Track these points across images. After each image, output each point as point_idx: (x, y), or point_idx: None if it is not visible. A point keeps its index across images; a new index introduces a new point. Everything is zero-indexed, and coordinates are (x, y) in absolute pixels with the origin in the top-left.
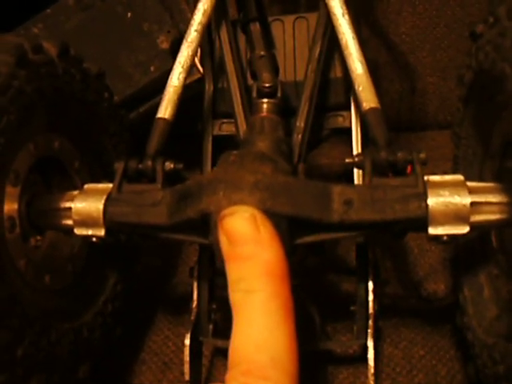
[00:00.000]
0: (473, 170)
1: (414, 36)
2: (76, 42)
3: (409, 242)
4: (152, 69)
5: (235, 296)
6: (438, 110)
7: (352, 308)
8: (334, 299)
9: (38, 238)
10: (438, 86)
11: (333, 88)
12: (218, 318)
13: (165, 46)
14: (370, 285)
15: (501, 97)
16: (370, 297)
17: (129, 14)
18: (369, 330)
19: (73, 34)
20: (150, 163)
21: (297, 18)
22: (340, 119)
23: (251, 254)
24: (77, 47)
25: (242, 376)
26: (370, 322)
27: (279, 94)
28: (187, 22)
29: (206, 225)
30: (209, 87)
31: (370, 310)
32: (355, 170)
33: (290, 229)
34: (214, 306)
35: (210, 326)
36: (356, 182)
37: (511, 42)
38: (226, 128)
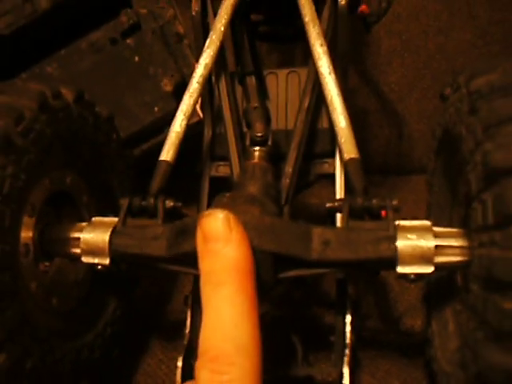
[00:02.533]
0: (443, 216)
1: (402, 86)
2: (87, 81)
3: (390, 280)
4: (156, 109)
5: (205, 289)
6: (423, 155)
7: (331, 338)
8: (315, 330)
9: (47, 263)
10: (424, 133)
11: (320, 137)
12: None
13: (168, 88)
14: (348, 317)
15: (459, 156)
16: (348, 328)
17: (136, 58)
18: (345, 359)
19: (84, 75)
20: (152, 201)
21: (289, 72)
22: (326, 166)
23: (221, 250)
24: (88, 87)
25: (210, 363)
26: (347, 351)
27: (270, 143)
28: (190, 67)
29: None
30: (207, 132)
31: (348, 341)
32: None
33: (274, 264)
34: None
35: None
36: (338, 222)
37: (468, 108)
38: (222, 170)
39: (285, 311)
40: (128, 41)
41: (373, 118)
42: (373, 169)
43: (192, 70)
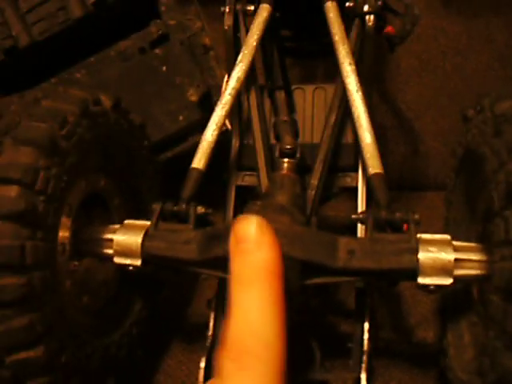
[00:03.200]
0: (460, 231)
1: (419, 104)
2: (115, 89)
3: (404, 292)
4: (181, 118)
5: (235, 288)
6: (438, 172)
7: (349, 345)
8: (333, 337)
9: (76, 263)
10: (439, 151)
11: (344, 152)
12: None
13: (194, 98)
14: (366, 325)
15: (482, 174)
16: (366, 336)
17: (163, 68)
18: (362, 365)
19: (112, 82)
20: (183, 206)
21: (316, 87)
22: (348, 179)
23: (253, 252)
24: (114, 94)
25: (237, 357)
26: (364, 358)
27: (298, 155)
28: (215, 78)
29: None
30: (235, 142)
31: (365, 348)
32: (358, 225)
33: (301, 271)
34: None
35: None
36: (358, 234)
37: (492, 130)
38: (248, 179)
39: (304, 318)
40: (156, 51)
41: (390, 135)
42: (388, 184)
43: (217, 82)
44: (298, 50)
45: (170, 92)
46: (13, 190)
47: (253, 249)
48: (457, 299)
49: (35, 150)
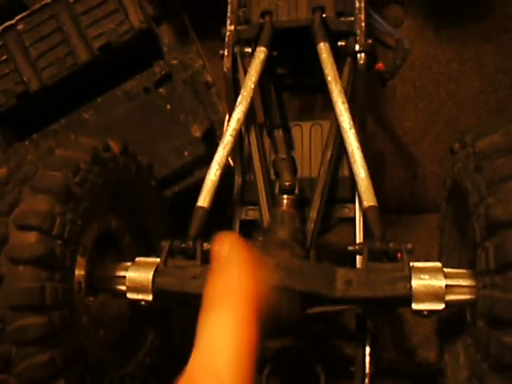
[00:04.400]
0: (453, 257)
1: (415, 130)
2: (121, 128)
3: (405, 314)
4: (186, 154)
5: (203, 306)
6: (437, 195)
7: (352, 368)
8: (338, 360)
9: (91, 299)
10: (437, 174)
11: (341, 184)
12: None
13: (198, 134)
14: (367, 349)
15: (466, 206)
16: (367, 359)
17: (168, 106)
18: None
19: (119, 121)
20: (190, 244)
21: (313, 124)
22: (346, 210)
23: (221, 270)
24: (122, 132)
25: (198, 372)
26: (367, 380)
27: (297, 191)
28: (218, 114)
29: None
30: (238, 179)
31: (367, 370)
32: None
33: (302, 301)
34: None
35: None
36: (357, 262)
37: (473, 166)
38: (251, 214)
39: (309, 343)
40: (160, 90)
41: (388, 160)
42: (388, 208)
43: (220, 117)
44: (295, 85)
45: (174, 129)
46: (32, 236)
47: (221, 268)
48: (452, 321)
49: (51, 198)
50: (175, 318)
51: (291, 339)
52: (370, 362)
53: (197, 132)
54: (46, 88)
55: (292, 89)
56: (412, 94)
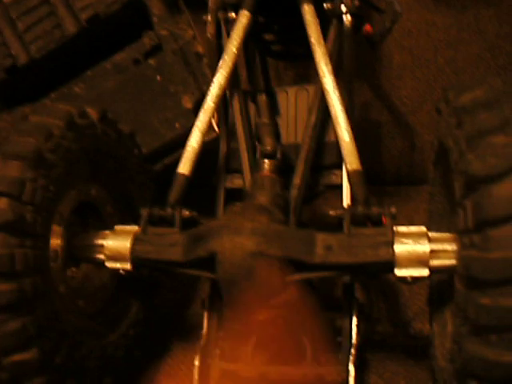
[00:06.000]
0: (443, 222)
1: (413, 99)
2: (112, 100)
3: (401, 286)
4: (177, 125)
5: None
6: None
7: (339, 339)
8: (325, 332)
9: (74, 269)
10: None
11: (328, 150)
12: (225, 345)
13: (189, 105)
14: (354, 319)
15: (447, 164)
16: (354, 329)
17: (158, 77)
18: (351, 357)
19: (109, 94)
20: (169, 211)
21: (298, 89)
22: (333, 177)
23: None
24: (112, 105)
25: None
26: (353, 351)
27: (279, 156)
28: (209, 85)
29: (213, 262)
30: (223, 146)
31: (354, 341)
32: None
33: (280, 268)
34: (222, 334)
35: (218, 351)
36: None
37: (455, 122)
38: (236, 182)
39: (296, 314)
40: (150, 61)
41: (386, 130)
42: (386, 179)
43: None
44: (286, 53)
45: (165, 100)
46: (1, 202)
47: None
48: (442, 290)
49: (21, 163)
50: (161, 288)
51: (277, 310)
52: (357, 333)
53: (188, 103)
54: (34, 61)
55: (283, 56)
56: (409, 62)
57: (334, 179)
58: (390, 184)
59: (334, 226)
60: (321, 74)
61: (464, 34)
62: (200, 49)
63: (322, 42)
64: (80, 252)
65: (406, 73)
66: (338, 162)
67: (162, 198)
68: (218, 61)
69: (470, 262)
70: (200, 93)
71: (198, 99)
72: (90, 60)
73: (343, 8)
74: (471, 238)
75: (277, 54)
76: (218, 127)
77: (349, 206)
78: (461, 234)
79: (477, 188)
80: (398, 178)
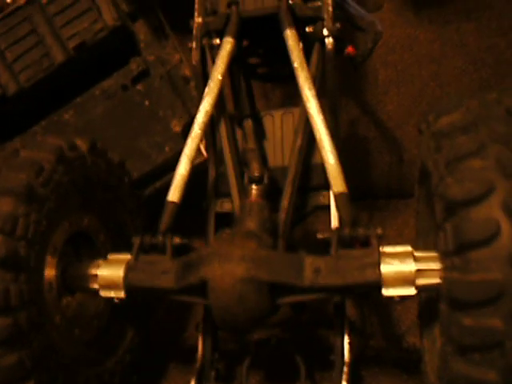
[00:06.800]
0: (429, 239)
1: (399, 113)
2: (101, 126)
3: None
4: (167, 149)
5: None
6: None
7: (331, 357)
8: (321, 350)
9: (69, 298)
10: None
11: (314, 172)
12: (220, 366)
13: (177, 129)
14: (346, 337)
15: (429, 187)
16: (346, 347)
17: (146, 102)
18: (343, 376)
19: (99, 120)
20: (160, 238)
21: (284, 112)
22: (321, 198)
23: None
24: (102, 131)
25: None
26: (345, 369)
27: (266, 181)
28: (197, 108)
29: (204, 288)
30: (212, 171)
31: (346, 359)
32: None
33: (270, 292)
34: (217, 356)
35: (213, 373)
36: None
37: (434, 146)
38: (226, 206)
39: (291, 334)
40: (138, 86)
41: (373, 146)
42: (376, 193)
43: None
44: (272, 75)
45: (154, 125)
46: None
47: None
48: (430, 306)
49: (13, 199)
50: (155, 314)
51: (271, 330)
52: (349, 350)
53: (176, 127)
54: (24, 90)
55: (269, 78)
56: (394, 77)
57: (321, 200)
58: (381, 198)
59: (323, 245)
60: (304, 98)
61: (447, 49)
62: (187, 72)
63: (305, 66)
64: (74, 282)
65: (392, 88)
66: (325, 183)
67: (154, 222)
68: (204, 86)
69: (452, 283)
70: (188, 116)
71: (186, 122)
72: (79, 87)
73: (325, 31)
74: (452, 260)
75: (262, 76)
76: (207, 151)
77: (336, 229)
78: (443, 256)
79: (456, 211)
80: (387, 192)
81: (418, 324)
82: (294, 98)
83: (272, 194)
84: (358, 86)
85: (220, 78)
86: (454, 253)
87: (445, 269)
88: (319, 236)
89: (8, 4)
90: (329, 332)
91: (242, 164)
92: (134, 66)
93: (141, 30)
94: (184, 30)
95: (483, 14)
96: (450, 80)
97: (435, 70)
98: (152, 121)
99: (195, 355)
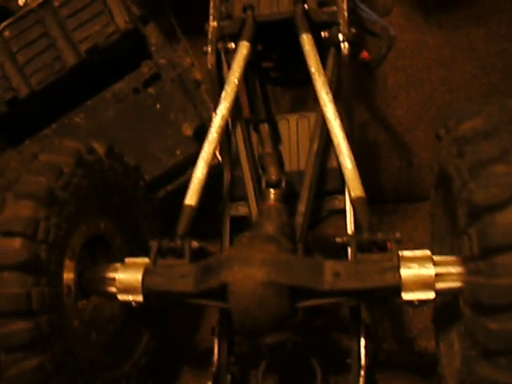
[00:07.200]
0: (445, 243)
1: (409, 118)
2: (112, 129)
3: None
4: (178, 152)
5: None
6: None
7: (348, 361)
8: (335, 354)
9: (85, 302)
10: (432, 162)
11: (330, 176)
12: (236, 370)
13: (189, 132)
14: (362, 341)
15: (451, 192)
16: (362, 351)
17: (158, 106)
18: (360, 379)
19: (110, 123)
20: (179, 242)
21: (299, 117)
22: (336, 202)
23: None
24: (113, 134)
25: None
26: (362, 373)
27: (283, 185)
28: (208, 111)
29: (223, 292)
30: (226, 175)
31: (362, 362)
32: None
33: (290, 295)
34: (232, 360)
35: (229, 377)
36: (349, 254)
37: (456, 151)
38: (241, 209)
39: (305, 337)
40: (149, 90)
41: (382, 150)
42: (385, 197)
43: (210, 114)
44: (285, 79)
45: (165, 128)
46: (16, 242)
47: None
48: (447, 309)
49: (34, 203)
50: (171, 316)
51: (286, 334)
52: (366, 354)
53: (188, 130)
54: (35, 93)
55: (281, 82)
56: (404, 82)
57: (337, 204)
58: (389, 202)
59: (338, 248)
60: (322, 103)
61: (456, 53)
62: (198, 75)
63: (321, 71)
64: (91, 285)
65: (401, 92)
66: (341, 187)
67: (167, 226)
68: (219, 90)
69: (477, 288)
70: (199, 120)
71: (197, 126)
72: (90, 90)
73: (341, 36)
74: (477, 264)
75: (276, 80)
76: (221, 155)
77: (354, 233)
78: (466, 261)
79: (481, 217)
80: (397, 196)
81: (434, 328)
82: (303, 102)
83: (288, 198)
84: (368, 91)
85: (236, 82)
86: (479, 257)
87: (468, 273)
88: (338, 240)
89: (20, 7)
90: (343, 335)
91: (257, 168)
92: (146, 69)
93: (152, 33)
94: (195, 34)
95: (492, 19)
96: (460, 85)
97: (445, 74)
98: (163, 124)
99: (209, 359)
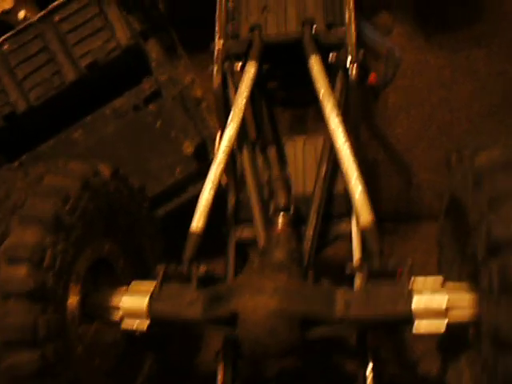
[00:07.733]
0: (453, 270)
1: (409, 137)
2: (111, 146)
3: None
4: (178, 171)
5: None
6: (432, 202)
7: None
8: (340, 377)
9: (86, 326)
10: (432, 181)
11: (337, 200)
12: None
13: (189, 150)
14: (369, 365)
15: (466, 222)
16: (369, 375)
17: (158, 123)
18: None
19: (109, 140)
20: (185, 268)
21: (306, 139)
22: (343, 225)
23: None
24: (112, 151)
25: None
26: None
27: (292, 210)
28: (209, 129)
29: (233, 320)
30: (231, 197)
31: None
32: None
33: (301, 324)
34: None
35: None
36: (356, 278)
37: (472, 182)
38: (246, 232)
39: (310, 362)
40: (150, 107)
41: (382, 169)
42: (384, 217)
43: (211, 132)
44: (287, 98)
45: (165, 146)
46: (22, 270)
47: None
48: (455, 336)
49: (41, 228)
50: (173, 341)
51: (293, 359)
52: (373, 378)
53: (188, 148)
54: (33, 108)
55: (284, 102)
56: (404, 102)
57: (343, 228)
58: (389, 221)
59: (348, 275)
60: (331, 126)
61: (457, 74)
62: (199, 93)
63: (331, 94)
64: (95, 311)
65: (401, 112)
66: (347, 210)
67: (168, 245)
68: (225, 111)
69: (496, 323)
70: (200, 138)
71: (197, 144)
72: (90, 106)
73: (349, 59)
74: (496, 298)
75: (279, 100)
76: (226, 177)
77: (364, 261)
78: (485, 292)
79: (501, 251)
80: (395, 216)
81: (439, 355)
82: (303, 120)
83: (296, 222)
84: (368, 109)
85: (244, 103)
86: (500, 292)
87: (487, 307)
88: (349, 269)
89: (20, 20)
90: (346, 360)
91: (263, 190)
92: (147, 85)
93: (153, 48)
94: (196, 50)
95: (493, 40)
96: (460, 105)
97: (445, 95)
98: (163, 142)
99: (210, 381)
